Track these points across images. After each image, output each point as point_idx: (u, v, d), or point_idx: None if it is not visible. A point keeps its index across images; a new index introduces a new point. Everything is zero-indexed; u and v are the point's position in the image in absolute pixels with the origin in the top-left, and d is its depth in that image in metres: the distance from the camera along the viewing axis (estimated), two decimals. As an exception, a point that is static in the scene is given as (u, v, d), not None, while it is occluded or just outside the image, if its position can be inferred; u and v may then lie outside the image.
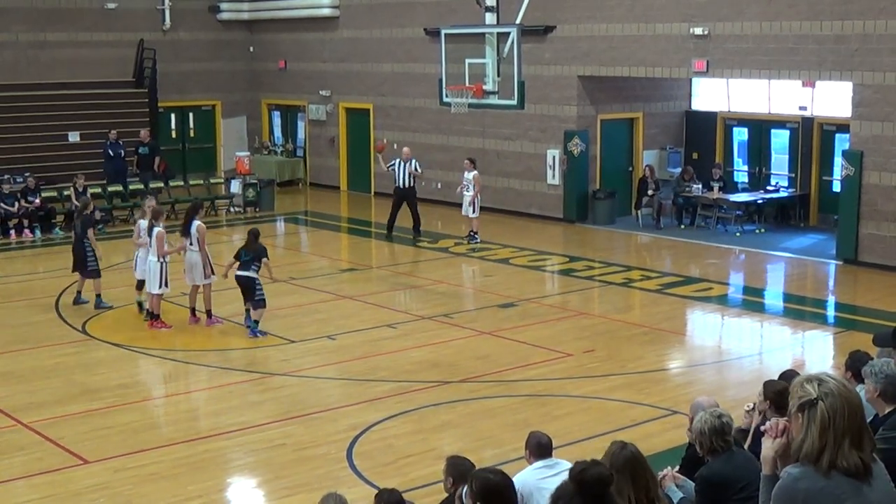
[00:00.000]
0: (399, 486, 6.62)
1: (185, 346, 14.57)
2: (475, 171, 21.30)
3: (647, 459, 5.69)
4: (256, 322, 14.73)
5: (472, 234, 21.31)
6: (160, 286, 15.07)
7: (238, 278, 14.83)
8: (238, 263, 14.84)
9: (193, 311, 15.44)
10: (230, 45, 30.69)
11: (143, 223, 15.53)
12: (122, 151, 25.48)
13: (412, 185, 21.99)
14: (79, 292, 16.70)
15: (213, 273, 15.24)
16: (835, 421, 3.94)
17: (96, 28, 28.36)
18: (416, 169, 21.93)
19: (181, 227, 15.59)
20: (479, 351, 14.09)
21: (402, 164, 21.91)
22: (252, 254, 14.74)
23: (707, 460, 6.18)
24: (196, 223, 15.16)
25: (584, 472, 4.97)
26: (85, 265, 16.48)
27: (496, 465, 9.72)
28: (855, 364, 7.20)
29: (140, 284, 15.73)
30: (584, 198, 23.28)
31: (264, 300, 14.71)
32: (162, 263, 15.01)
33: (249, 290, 14.71)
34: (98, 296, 16.51)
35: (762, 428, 4.43)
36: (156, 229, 15.07)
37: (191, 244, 15.13)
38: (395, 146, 26.89)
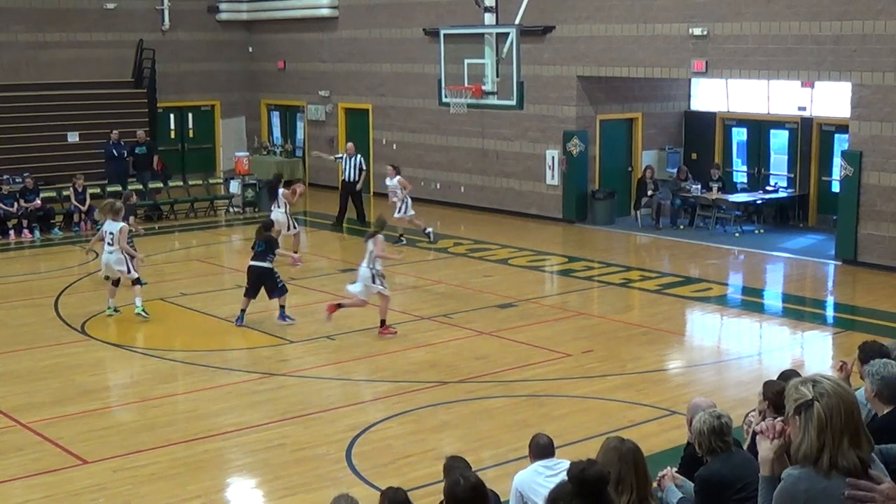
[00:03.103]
0: (398, 487, 6.61)
1: (184, 347, 14.57)
2: (399, 177, 21.28)
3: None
4: (283, 307, 15.27)
5: (423, 230, 21.36)
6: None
7: (253, 269, 15.18)
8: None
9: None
10: (229, 45, 30.69)
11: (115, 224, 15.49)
12: (125, 152, 25.49)
13: (357, 179, 22.98)
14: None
15: (295, 226, 19.80)
16: (832, 420, 3.95)
17: (95, 28, 28.36)
18: (361, 165, 23.03)
19: (269, 193, 20.19)
20: (478, 351, 14.09)
21: (349, 159, 23.02)
22: (264, 243, 15.18)
23: (706, 460, 6.18)
24: (281, 191, 19.43)
25: (583, 472, 4.97)
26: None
27: (495, 466, 9.77)
28: (868, 355, 6.99)
29: (116, 282, 15.77)
30: (584, 198, 23.28)
31: (285, 285, 15.38)
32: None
33: (268, 281, 15.11)
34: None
35: (757, 429, 4.44)
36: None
37: (278, 206, 19.39)
38: (395, 147, 27.01)
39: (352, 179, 23.08)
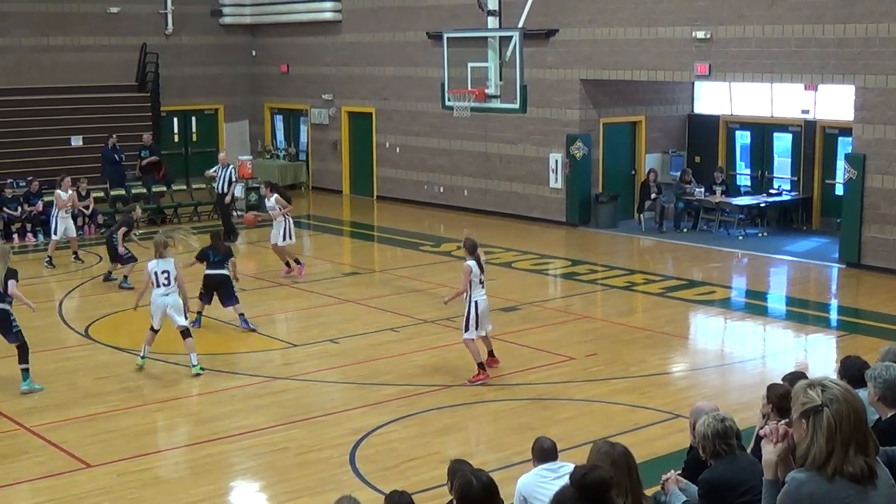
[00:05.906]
0: (402, 490, 6.62)
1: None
2: (276, 195, 18.93)
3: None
4: (243, 314, 15.29)
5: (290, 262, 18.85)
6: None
7: (211, 277, 15.34)
8: (205, 264, 15.48)
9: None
10: (232, 49, 30.71)
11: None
12: (123, 156, 25.54)
13: (226, 191, 22.18)
14: (109, 272, 18.29)
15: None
16: (841, 427, 3.93)
17: (99, 32, 28.40)
18: (231, 177, 22.23)
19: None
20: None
21: (222, 169, 22.31)
22: (221, 255, 15.45)
23: (710, 464, 6.17)
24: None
25: (586, 477, 4.97)
26: (116, 256, 17.98)
27: (499, 469, 9.76)
28: (848, 371, 7.13)
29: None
30: (587, 201, 23.28)
31: (237, 296, 15.47)
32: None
33: (225, 288, 15.27)
34: (125, 276, 17.93)
35: (761, 432, 4.43)
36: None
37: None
38: (398, 150, 27.04)
39: (222, 192, 22.21)
